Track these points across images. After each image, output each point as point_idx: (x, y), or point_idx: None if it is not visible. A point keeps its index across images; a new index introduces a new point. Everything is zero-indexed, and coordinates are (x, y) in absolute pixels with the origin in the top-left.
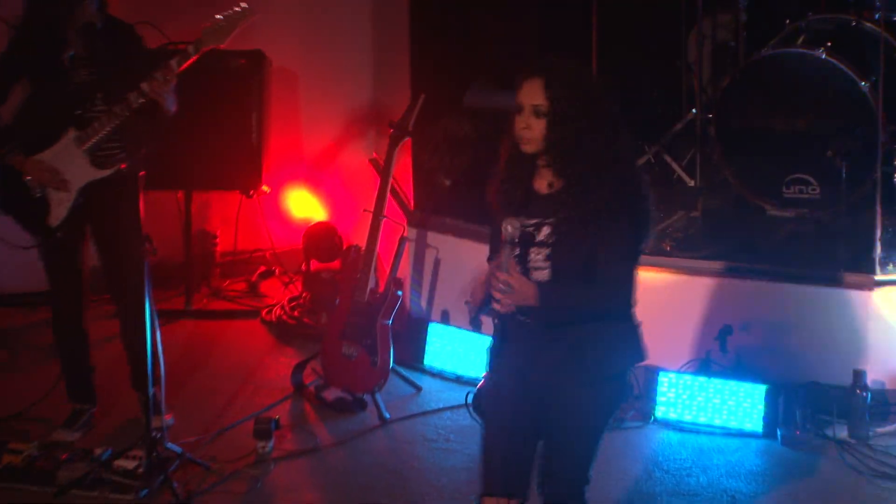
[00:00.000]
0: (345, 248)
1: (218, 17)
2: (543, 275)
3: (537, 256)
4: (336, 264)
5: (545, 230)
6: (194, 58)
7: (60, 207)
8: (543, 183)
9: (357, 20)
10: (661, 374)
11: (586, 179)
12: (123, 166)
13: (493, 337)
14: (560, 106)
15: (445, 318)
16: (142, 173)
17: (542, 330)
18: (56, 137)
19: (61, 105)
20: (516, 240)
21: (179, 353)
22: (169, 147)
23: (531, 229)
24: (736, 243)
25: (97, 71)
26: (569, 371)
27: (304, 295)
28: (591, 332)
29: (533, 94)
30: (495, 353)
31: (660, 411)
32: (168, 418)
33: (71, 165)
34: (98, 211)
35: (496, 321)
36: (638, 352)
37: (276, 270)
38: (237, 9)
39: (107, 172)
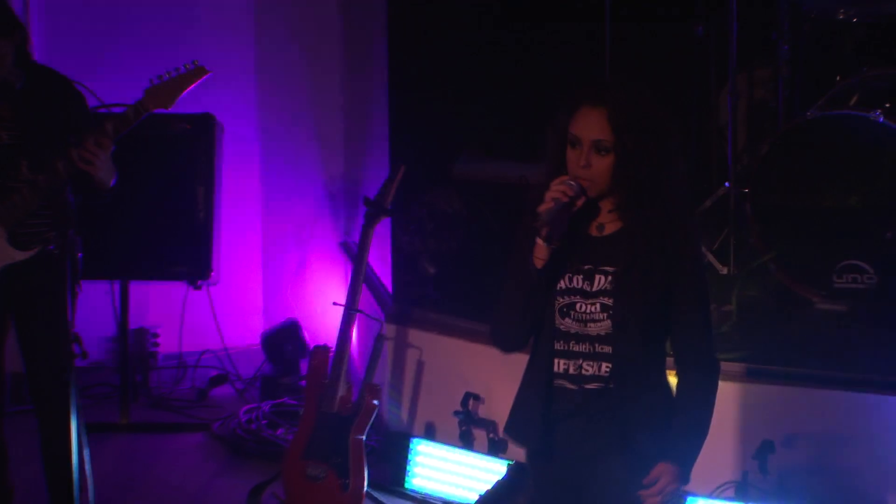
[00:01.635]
0: (311, 348)
1: (164, 75)
2: (602, 328)
3: (591, 308)
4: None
5: (600, 279)
6: (135, 123)
7: None
8: (591, 224)
9: (326, 80)
10: (689, 500)
11: (656, 223)
12: (54, 247)
13: (531, 453)
14: (629, 141)
15: (431, 433)
16: (79, 255)
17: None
18: None
19: None
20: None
21: (112, 474)
22: (101, 228)
23: (580, 277)
24: (778, 342)
25: (21, 134)
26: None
27: (262, 404)
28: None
29: (594, 127)
30: (530, 474)
31: None
32: None
33: None
34: (21, 302)
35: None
36: (696, 423)
37: (230, 375)
38: (188, 66)
39: (28, 254)
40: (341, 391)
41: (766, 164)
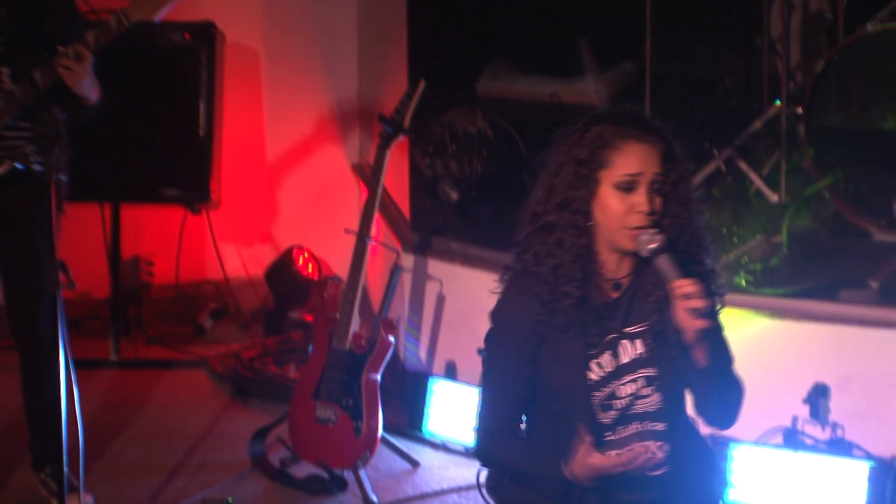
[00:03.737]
0: (321, 280)
1: None
2: (650, 404)
3: (633, 387)
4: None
5: (627, 346)
6: (117, 33)
7: None
8: (606, 284)
9: None
10: (732, 445)
11: (693, 270)
12: (32, 163)
13: None
14: (677, 179)
15: (451, 373)
16: (64, 178)
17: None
18: None
19: None
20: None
21: (103, 414)
22: (91, 146)
23: (609, 355)
24: (833, 276)
25: (5, 41)
26: None
27: (266, 340)
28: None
29: (651, 164)
30: None
31: (731, 495)
32: (87, 499)
33: None
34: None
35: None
36: (723, 471)
37: (231, 308)
38: None
39: (3, 170)
40: (354, 327)
41: (822, 81)
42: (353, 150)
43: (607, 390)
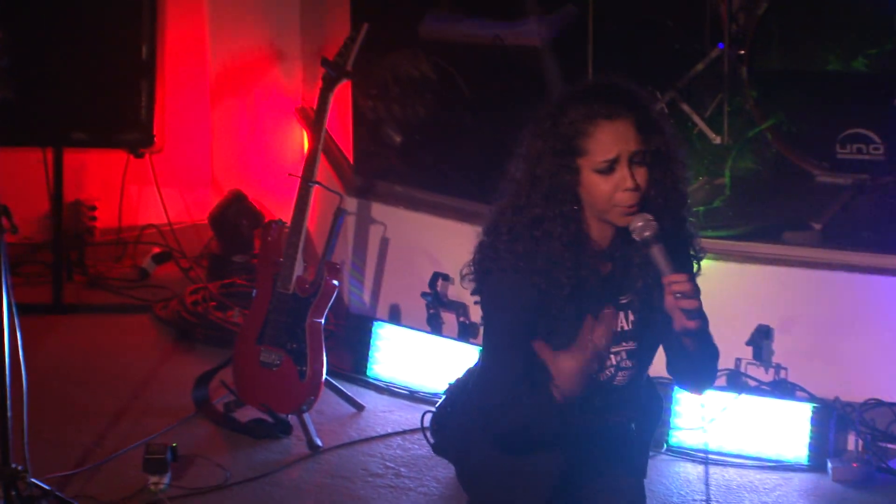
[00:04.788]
0: (264, 223)
1: None
2: (627, 376)
3: (616, 358)
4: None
5: (623, 316)
6: None
7: None
8: (597, 258)
9: None
10: (676, 388)
11: (676, 240)
12: None
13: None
14: (658, 146)
15: (395, 316)
16: None
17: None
18: None
19: None
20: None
21: (46, 359)
22: (31, 89)
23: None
24: (775, 218)
25: None
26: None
27: (210, 284)
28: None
29: (627, 140)
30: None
31: (674, 437)
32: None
33: None
34: None
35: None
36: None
37: (174, 253)
38: None
39: None
40: (298, 270)
41: (764, 23)
42: (296, 94)
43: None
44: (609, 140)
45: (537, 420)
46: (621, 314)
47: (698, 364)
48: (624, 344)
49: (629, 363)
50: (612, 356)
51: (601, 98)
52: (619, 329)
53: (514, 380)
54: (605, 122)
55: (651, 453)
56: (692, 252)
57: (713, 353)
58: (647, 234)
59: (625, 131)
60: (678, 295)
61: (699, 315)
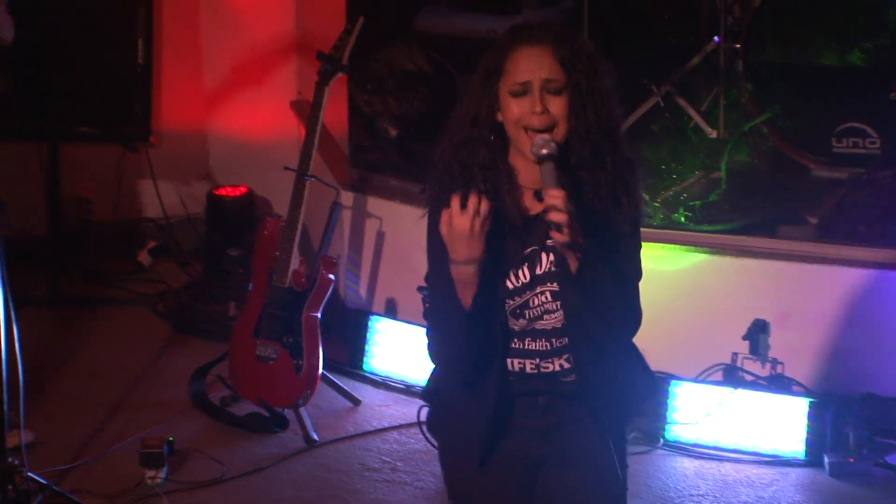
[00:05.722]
0: (260, 217)
1: None
2: (556, 319)
3: (542, 299)
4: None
5: (547, 258)
6: None
7: None
8: (526, 196)
9: None
10: (673, 383)
11: (599, 175)
12: None
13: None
14: (581, 78)
15: (391, 310)
16: None
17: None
18: None
19: None
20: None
21: (42, 352)
22: (27, 82)
23: (526, 267)
24: (771, 213)
25: None
26: (589, 432)
27: (205, 278)
28: (611, 367)
29: (542, 66)
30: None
31: (671, 432)
32: (29, 435)
33: None
34: None
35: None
36: (651, 375)
37: (170, 246)
38: None
39: None
40: (294, 264)
41: (760, 16)
42: (292, 88)
43: (520, 300)
44: (524, 63)
45: (448, 323)
46: (543, 256)
47: (597, 300)
48: (548, 284)
49: (554, 305)
50: (535, 297)
51: (527, 28)
52: (541, 271)
53: (441, 301)
54: (524, 47)
55: (647, 448)
56: (623, 190)
57: (618, 301)
58: (543, 151)
59: (541, 58)
60: (549, 208)
61: (573, 237)
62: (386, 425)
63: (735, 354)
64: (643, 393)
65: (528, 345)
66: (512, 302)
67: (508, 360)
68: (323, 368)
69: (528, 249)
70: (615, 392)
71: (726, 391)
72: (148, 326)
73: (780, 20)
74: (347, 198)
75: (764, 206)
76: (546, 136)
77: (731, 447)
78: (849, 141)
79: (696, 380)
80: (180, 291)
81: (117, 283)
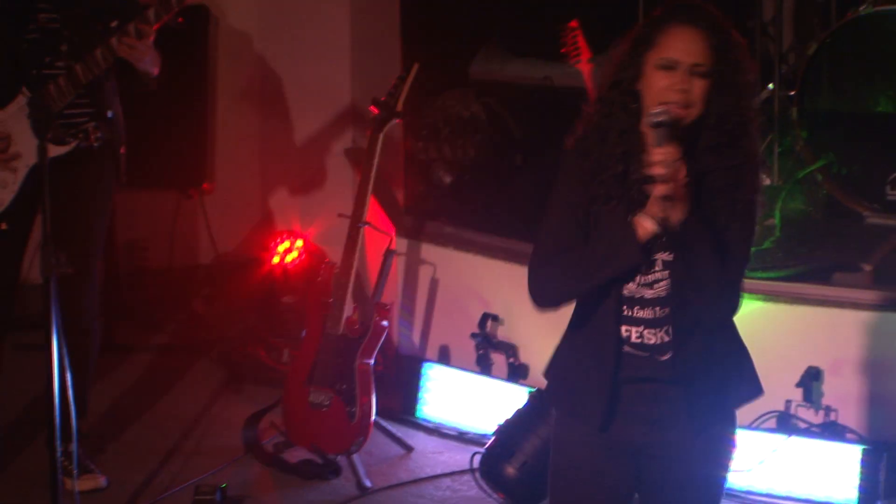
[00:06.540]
0: (314, 264)
1: None
2: (662, 289)
3: (654, 267)
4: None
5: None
6: (177, 8)
7: (4, 192)
8: (647, 165)
9: None
10: None
11: (731, 162)
12: (94, 140)
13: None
14: (727, 67)
15: (445, 357)
16: (122, 150)
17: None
18: (5, 100)
19: (13, 58)
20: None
21: (97, 399)
22: None
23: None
24: (826, 260)
25: (62, 17)
26: (685, 414)
27: (259, 325)
28: (708, 346)
29: (693, 49)
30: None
31: (727, 480)
32: (102, 480)
33: (23, 136)
34: (53, 200)
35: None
36: (756, 380)
37: (224, 292)
38: None
39: (66, 149)
40: (347, 311)
41: (815, 64)
42: (347, 134)
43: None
44: (678, 42)
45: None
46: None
47: (698, 270)
48: (662, 253)
49: (664, 274)
50: (648, 263)
51: (687, 8)
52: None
53: (553, 247)
54: (681, 26)
55: None
56: (745, 178)
57: (715, 264)
58: (661, 118)
59: (695, 40)
60: (651, 162)
61: (669, 193)
62: (439, 472)
63: (789, 402)
64: (744, 395)
65: (637, 313)
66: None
67: (622, 327)
68: (376, 415)
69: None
70: (712, 381)
71: (780, 438)
72: (202, 373)
73: (834, 67)
74: (402, 244)
75: (818, 253)
76: (664, 106)
77: (784, 494)
78: None
79: (749, 427)
80: (234, 338)
81: (172, 329)
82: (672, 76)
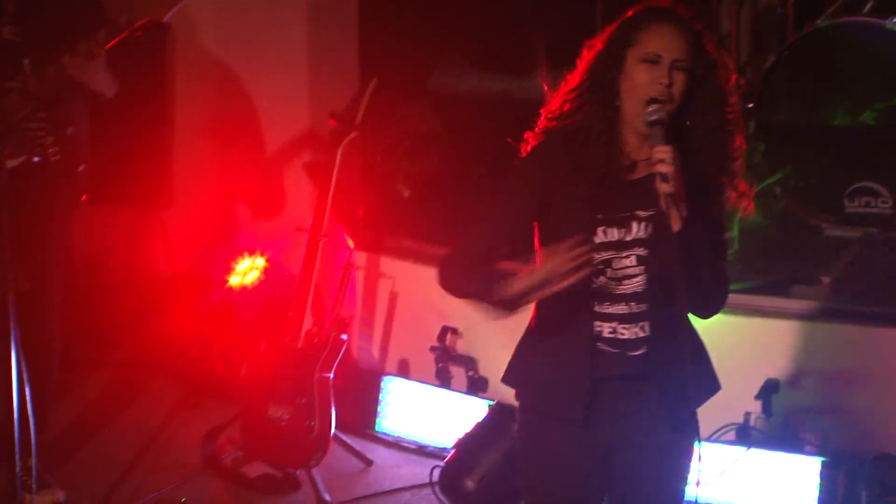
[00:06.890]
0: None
1: None
2: (636, 284)
3: (626, 262)
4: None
5: (636, 226)
6: (126, 30)
7: None
8: (625, 163)
9: None
10: None
11: (709, 159)
12: (52, 154)
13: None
14: (705, 63)
15: (404, 370)
16: (81, 167)
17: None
18: None
19: None
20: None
21: (57, 414)
22: None
23: (616, 228)
24: (784, 272)
25: (24, 31)
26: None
27: (218, 338)
28: (682, 342)
29: (674, 45)
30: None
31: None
32: (60, 495)
33: None
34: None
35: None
36: (715, 376)
37: (183, 306)
38: None
39: (18, 160)
40: (306, 325)
41: (772, 77)
42: (306, 149)
43: (605, 256)
44: (660, 37)
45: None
46: (635, 224)
47: (693, 262)
48: (635, 249)
49: (638, 269)
50: (620, 259)
51: (664, 10)
52: (630, 238)
53: (476, 246)
54: (662, 23)
55: None
56: (724, 176)
57: (714, 273)
58: (654, 116)
59: (676, 37)
60: (657, 162)
61: (678, 188)
62: (398, 486)
63: (748, 414)
64: (705, 390)
65: (608, 308)
66: (597, 256)
67: (594, 323)
68: (335, 429)
69: (622, 213)
70: (681, 375)
71: (739, 450)
72: (160, 389)
73: (791, 80)
74: (361, 258)
75: (776, 265)
76: (659, 105)
77: None
78: (861, 200)
79: (709, 439)
80: (193, 354)
81: (130, 345)
82: (654, 70)
